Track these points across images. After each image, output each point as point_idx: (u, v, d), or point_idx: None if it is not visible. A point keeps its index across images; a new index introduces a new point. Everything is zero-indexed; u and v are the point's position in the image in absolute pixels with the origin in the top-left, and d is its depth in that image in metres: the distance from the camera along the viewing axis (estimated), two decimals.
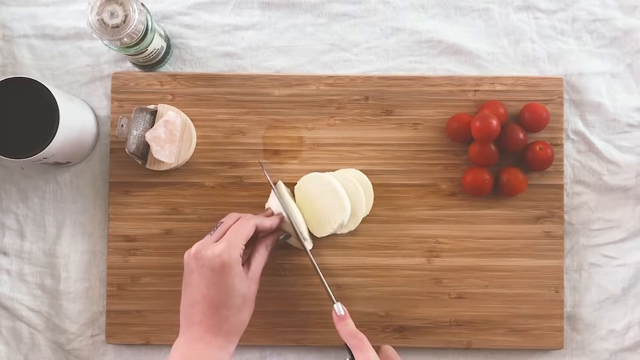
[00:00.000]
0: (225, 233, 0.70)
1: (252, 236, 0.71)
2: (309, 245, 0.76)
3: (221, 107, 0.81)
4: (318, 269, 0.73)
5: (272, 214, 0.76)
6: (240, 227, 0.70)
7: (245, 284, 0.69)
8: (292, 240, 0.77)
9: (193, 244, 0.70)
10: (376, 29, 0.83)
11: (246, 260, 0.71)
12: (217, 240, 0.69)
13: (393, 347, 0.80)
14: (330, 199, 0.76)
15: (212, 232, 0.70)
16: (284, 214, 0.75)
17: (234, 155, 0.81)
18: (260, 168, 0.78)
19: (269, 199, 0.78)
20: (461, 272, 0.80)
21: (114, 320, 0.80)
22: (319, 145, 0.81)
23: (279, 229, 0.76)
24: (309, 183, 0.77)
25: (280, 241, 0.76)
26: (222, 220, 0.72)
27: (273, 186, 0.76)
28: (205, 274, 0.67)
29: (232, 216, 0.73)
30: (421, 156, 0.81)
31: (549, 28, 0.83)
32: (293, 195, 0.79)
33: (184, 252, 0.73)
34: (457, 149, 0.81)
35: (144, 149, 0.78)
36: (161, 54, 0.79)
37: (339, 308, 0.70)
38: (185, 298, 0.69)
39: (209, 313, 0.67)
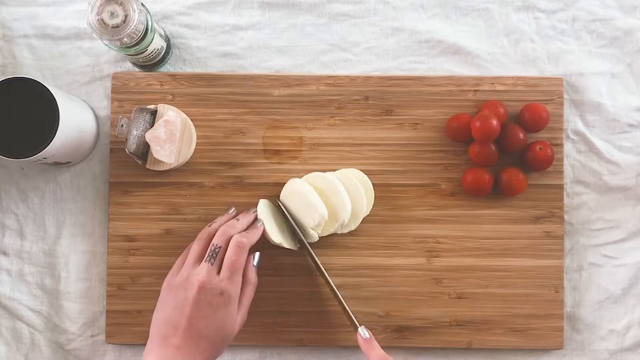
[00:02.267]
0: (222, 261, 0.70)
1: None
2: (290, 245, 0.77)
3: (221, 107, 0.81)
4: (336, 289, 0.75)
5: (256, 216, 0.75)
6: (237, 259, 0.70)
7: (234, 324, 0.70)
8: (289, 243, 0.77)
9: (178, 262, 0.72)
10: (376, 29, 0.83)
11: None
12: (218, 272, 0.69)
13: (393, 347, 0.80)
14: (332, 198, 0.76)
15: (211, 260, 0.70)
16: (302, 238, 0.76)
17: (234, 155, 0.81)
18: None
19: (259, 205, 0.77)
20: (461, 272, 0.80)
21: (114, 320, 0.80)
22: (319, 145, 0.81)
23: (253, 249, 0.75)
24: (312, 182, 0.77)
25: (256, 266, 0.75)
26: (215, 242, 0.71)
27: (289, 218, 0.77)
28: (202, 306, 0.68)
29: (223, 235, 0.71)
30: (421, 156, 0.81)
31: (549, 28, 0.83)
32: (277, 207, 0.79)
33: (184, 249, 0.73)
34: (457, 149, 0.81)
35: (144, 149, 0.78)
36: (161, 54, 0.79)
37: (364, 332, 0.71)
38: (166, 317, 0.68)
39: (190, 342, 0.67)
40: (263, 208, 0.76)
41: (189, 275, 0.69)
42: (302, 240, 0.77)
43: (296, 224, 0.77)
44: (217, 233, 0.72)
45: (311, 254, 0.76)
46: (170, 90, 0.81)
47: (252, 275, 0.73)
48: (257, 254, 0.74)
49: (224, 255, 0.70)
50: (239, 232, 0.72)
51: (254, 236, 0.73)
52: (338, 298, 0.75)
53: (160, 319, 0.69)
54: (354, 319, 0.73)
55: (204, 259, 0.70)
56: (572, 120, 0.82)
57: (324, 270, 0.76)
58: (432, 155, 0.81)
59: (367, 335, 0.71)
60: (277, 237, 0.75)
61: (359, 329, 0.71)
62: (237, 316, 0.70)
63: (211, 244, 0.71)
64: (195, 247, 0.72)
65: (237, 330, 0.71)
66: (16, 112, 0.70)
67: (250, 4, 0.83)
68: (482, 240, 0.80)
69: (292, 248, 0.77)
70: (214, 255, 0.70)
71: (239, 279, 0.70)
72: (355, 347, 0.80)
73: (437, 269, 0.80)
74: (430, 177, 0.81)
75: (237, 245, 0.70)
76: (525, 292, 0.80)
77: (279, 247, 0.76)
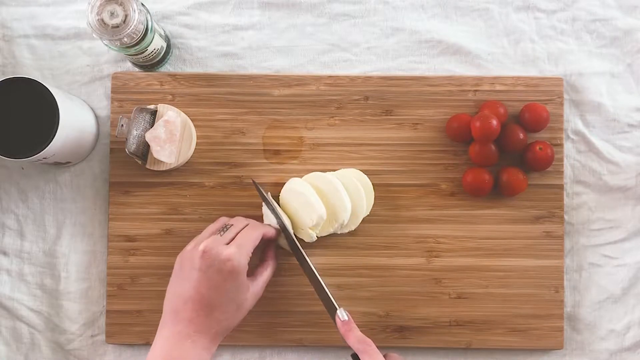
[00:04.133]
0: (235, 237, 0.70)
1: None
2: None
3: (221, 107, 0.81)
4: (317, 274, 0.73)
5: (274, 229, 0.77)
6: (250, 233, 0.71)
7: (245, 293, 0.69)
8: (283, 243, 0.77)
9: (195, 238, 0.71)
10: (376, 29, 0.83)
11: (251, 271, 0.71)
12: (228, 243, 0.69)
13: (393, 347, 0.80)
14: (331, 198, 0.76)
15: (222, 233, 0.71)
16: (282, 221, 0.76)
17: (234, 155, 0.81)
18: (254, 184, 0.78)
19: (263, 208, 0.78)
20: (461, 272, 0.80)
21: (114, 320, 0.80)
22: (319, 145, 0.81)
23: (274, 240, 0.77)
24: (312, 182, 0.78)
25: (277, 235, 0.76)
26: (230, 223, 0.72)
27: (269, 198, 0.77)
28: (210, 274, 0.67)
29: (240, 220, 0.73)
30: (421, 156, 0.81)
31: (549, 28, 0.83)
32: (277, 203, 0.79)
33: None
34: (457, 149, 0.81)
35: (144, 149, 0.78)
36: (161, 54, 0.79)
37: (342, 313, 0.70)
38: (177, 290, 0.69)
39: (202, 313, 0.67)
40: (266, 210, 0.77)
41: (195, 244, 0.70)
42: (282, 224, 0.76)
43: (295, 223, 0.77)
44: (234, 218, 0.74)
45: (290, 236, 0.75)
46: (170, 90, 0.81)
47: (272, 259, 0.74)
48: (276, 223, 0.76)
49: (234, 234, 0.71)
50: None
51: (270, 229, 0.75)
52: (315, 280, 0.73)
53: (171, 293, 0.69)
54: (332, 300, 0.71)
55: (217, 232, 0.71)
56: (572, 120, 0.82)
57: (302, 251, 0.74)
58: (432, 155, 0.81)
59: (346, 318, 0.69)
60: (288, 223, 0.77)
61: (338, 311, 0.70)
62: (249, 288, 0.70)
63: (225, 223, 0.72)
64: (210, 227, 0.73)
65: (250, 303, 0.70)
66: (16, 112, 0.70)
67: (250, 4, 0.83)
68: (482, 240, 0.80)
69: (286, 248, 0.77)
70: (225, 229, 0.71)
71: (248, 251, 0.69)
72: None
73: (437, 269, 0.80)
74: (430, 177, 0.81)
75: (252, 224, 0.72)
76: (525, 292, 0.80)
77: (278, 248, 0.76)
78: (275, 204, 0.77)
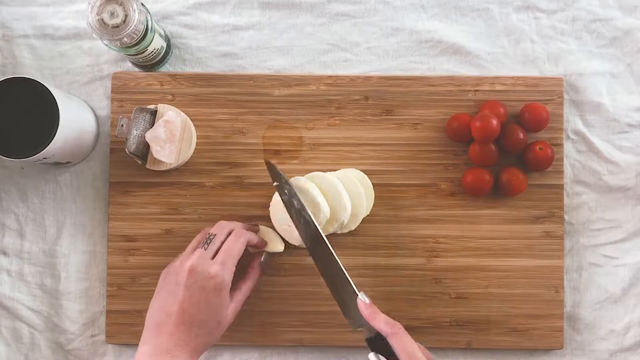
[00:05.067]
0: (218, 249, 0.71)
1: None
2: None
3: (221, 107, 0.81)
4: (338, 259, 0.71)
5: (257, 228, 0.77)
6: (233, 246, 0.71)
7: (226, 310, 0.70)
8: (293, 240, 0.77)
9: (180, 254, 0.73)
10: (376, 29, 0.83)
11: (233, 283, 0.71)
12: (212, 257, 0.70)
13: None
14: (332, 198, 0.76)
15: (205, 246, 0.71)
16: (301, 202, 0.74)
17: (234, 155, 0.81)
18: (267, 168, 0.76)
19: (271, 207, 0.78)
20: (461, 272, 0.80)
21: (114, 320, 0.80)
22: (319, 145, 0.81)
23: (261, 249, 0.77)
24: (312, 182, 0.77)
25: (264, 263, 0.76)
26: (213, 232, 0.72)
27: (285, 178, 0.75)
28: (194, 290, 0.68)
29: (222, 227, 0.73)
30: (421, 156, 0.81)
31: (549, 28, 0.83)
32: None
33: (184, 249, 0.74)
34: (457, 149, 0.81)
35: (144, 149, 0.78)
36: (161, 54, 0.79)
37: (364, 297, 0.68)
38: (159, 305, 0.69)
39: (183, 328, 0.67)
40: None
41: (182, 261, 0.70)
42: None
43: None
44: (216, 225, 0.73)
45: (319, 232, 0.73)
46: (170, 90, 0.81)
47: (254, 272, 0.74)
48: (264, 251, 0.76)
49: (221, 245, 0.71)
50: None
51: (254, 236, 0.74)
52: (331, 267, 0.71)
53: (154, 308, 0.70)
54: (352, 284, 0.70)
55: (199, 246, 0.71)
56: (572, 120, 0.82)
57: (323, 236, 0.72)
58: (432, 155, 0.81)
59: (368, 301, 0.68)
60: (278, 245, 0.77)
61: (359, 295, 0.69)
62: (228, 304, 0.70)
63: (208, 233, 0.72)
64: (194, 240, 0.74)
65: (229, 319, 0.71)
66: (16, 112, 0.70)
67: (250, 4, 0.83)
68: (482, 240, 0.80)
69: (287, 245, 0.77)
70: (208, 241, 0.71)
71: (231, 266, 0.70)
72: (355, 347, 0.80)
73: (437, 269, 0.80)
74: (430, 177, 0.81)
75: (234, 233, 0.72)
76: (525, 292, 0.80)
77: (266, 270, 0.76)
78: (292, 184, 0.75)
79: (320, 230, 0.73)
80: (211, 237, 0.72)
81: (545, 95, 0.81)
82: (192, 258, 0.70)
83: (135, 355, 0.67)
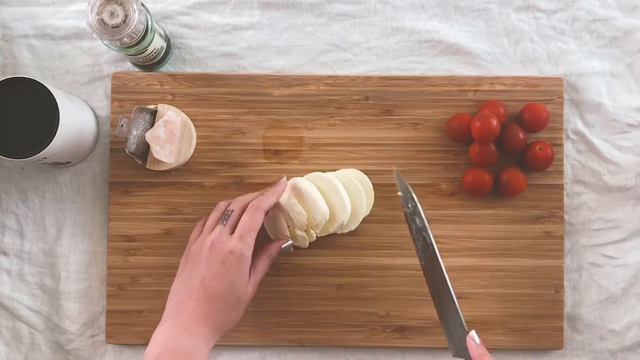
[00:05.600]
0: (236, 224, 0.71)
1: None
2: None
3: (221, 107, 0.81)
4: (450, 286, 0.70)
5: (283, 182, 0.76)
6: (251, 220, 0.71)
7: (246, 285, 0.70)
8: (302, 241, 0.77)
9: (199, 232, 0.72)
10: (376, 29, 0.83)
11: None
12: (231, 233, 0.70)
13: (393, 347, 0.80)
14: (331, 198, 0.76)
15: (223, 222, 0.71)
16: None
17: (234, 155, 0.81)
18: (395, 177, 0.76)
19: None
20: (461, 272, 0.80)
21: (114, 320, 0.80)
22: (319, 145, 0.81)
23: (282, 237, 0.76)
24: (312, 182, 0.77)
25: (284, 249, 0.75)
26: (230, 208, 0.72)
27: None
28: (214, 266, 0.68)
29: (239, 202, 0.73)
30: (421, 156, 0.81)
31: (549, 28, 0.83)
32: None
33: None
34: (457, 149, 0.81)
35: (144, 149, 0.78)
36: (161, 54, 0.79)
37: (475, 336, 0.67)
38: (180, 285, 0.69)
39: (203, 303, 0.67)
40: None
41: (201, 239, 0.71)
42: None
43: (297, 223, 0.77)
44: (233, 201, 0.73)
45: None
46: (170, 90, 0.81)
47: (274, 250, 0.74)
48: (290, 242, 0.75)
49: (239, 219, 0.71)
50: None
51: (270, 197, 0.74)
52: (449, 294, 0.69)
53: (175, 288, 0.70)
54: (462, 319, 0.69)
55: (218, 224, 0.71)
56: (572, 120, 0.82)
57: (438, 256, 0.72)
58: (432, 155, 0.81)
59: (478, 342, 0.67)
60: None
61: (470, 334, 0.67)
62: (249, 280, 0.70)
63: (226, 210, 0.72)
64: (211, 217, 0.74)
65: (248, 297, 0.70)
66: (16, 112, 0.70)
67: (250, 4, 0.83)
68: (482, 240, 0.80)
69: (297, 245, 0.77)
70: (227, 217, 0.71)
71: (251, 240, 0.70)
72: (356, 347, 0.80)
73: None
74: (430, 177, 0.81)
75: (251, 206, 0.72)
76: (525, 292, 0.80)
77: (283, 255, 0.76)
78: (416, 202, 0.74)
79: (438, 253, 0.72)
80: (229, 214, 0.72)
81: (545, 95, 0.81)
82: (211, 235, 0.70)
83: (154, 335, 0.67)
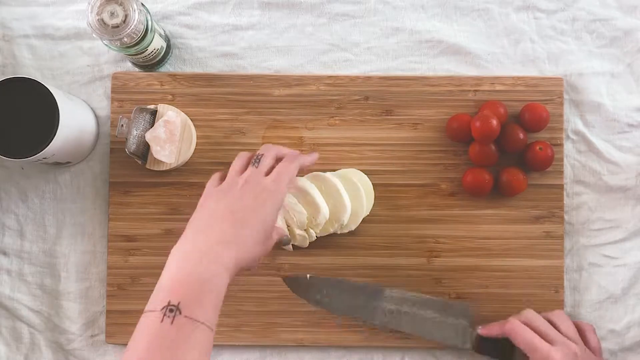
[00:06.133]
0: (268, 168, 0.68)
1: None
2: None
3: (221, 107, 0.81)
4: None
5: (315, 155, 0.73)
6: (288, 167, 0.67)
7: (272, 227, 0.66)
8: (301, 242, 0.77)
9: (219, 182, 0.69)
10: (376, 29, 0.83)
11: None
12: (266, 174, 0.67)
13: (393, 347, 0.80)
14: (331, 198, 0.76)
15: (255, 164, 0.68)
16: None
17: (234, 155, 0.80)
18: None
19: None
20: (461, 272, 0.80)
21: (114, 320, 0.80)
22: (319, 145, 0.81)
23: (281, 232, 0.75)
24: (312, 182, 0.77)
25: (283, 243, 0.74)
26: (260, 152, 0.69)
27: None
28: (246, 197, 0.64)
29: (268, 149, 0.70)
30: (421, 156, 0.81)
31: (549, 28, 0.83)
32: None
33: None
34: (457, 149, 0.81)
35: (144, 149, 0.78)
36: (161, 54, 0.79)
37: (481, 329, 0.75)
38: (203, 213, 0.65)
39: (231, 230, 0.63)
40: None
41: (232, 177, 0.67)
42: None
43: (297, 222, 0.77)
44: (262, 147, 0.70)
45: None
46: (170, 90, 0.81)
47: (277, 232, 0.71)
48: (286, 238, 0.74)
49: (271, 165, 0.68)
50: None
51: (307, 158, 0.71)
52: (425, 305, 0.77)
53: (196, 218, 0.65)
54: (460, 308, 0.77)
55: (250, 164, 0.68)
56: (572, 120, 0.82)
57: None
58: (432, 155, 0.81)
59: (481, 328, 0.75)
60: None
61: (478, 330, 0.75)
62: (273, 227, 0.67)
63: (256, 154, 0.69)
64: (236, 163, 0.70)
65: (269, 247, 0.67)
66: (16, 112, 0.70)
67: (250, 4, 0.83)
68: (482, 240, 0.80)
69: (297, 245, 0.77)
70: (258, 159, 0.68)
71: (285, 187, 0.66)
72: (355, 347, 0.80)
73: (437, 269, 0.80)
74: (430, 177, 0.81)
75: (287, 157, 0.69)
76: (525, 292, 0.80)
77: (278, 247, 0.76)
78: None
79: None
80: (259, 157, 0.68)
81: (545, 95, 0.81)
82: (244, 174, 0.67)
83: (168, 259, 0.61)
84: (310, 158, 0.71)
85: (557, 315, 0.74)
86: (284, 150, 0.70)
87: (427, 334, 0.76)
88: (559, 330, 0.73)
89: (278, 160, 0.70)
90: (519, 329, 0.72)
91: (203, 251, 0.61)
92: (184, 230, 0.64)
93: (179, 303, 0.58)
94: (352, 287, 0.77)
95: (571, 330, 0.73)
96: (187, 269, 0.60)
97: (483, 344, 0.75)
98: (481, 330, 0.75)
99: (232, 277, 0.62)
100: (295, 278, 0.77)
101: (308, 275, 0.77)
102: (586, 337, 0.74)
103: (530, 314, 0.74)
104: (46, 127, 0.70)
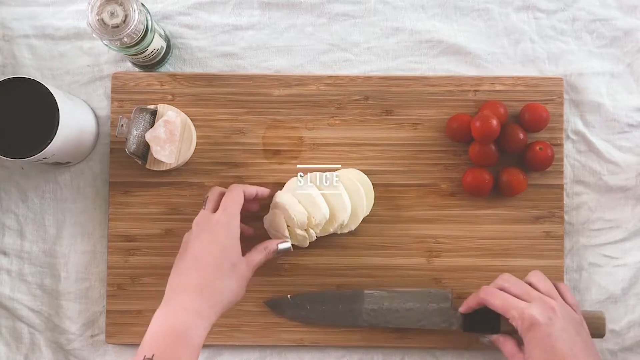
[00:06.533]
0: (216, 205, 0.72)
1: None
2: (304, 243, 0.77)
3: (221, 107, 0.81)
4: None
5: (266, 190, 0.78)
6: (232, 196, 0.72)
7: (238, 253, 0.70)
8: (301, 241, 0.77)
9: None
10: (376, 29, 0.83)
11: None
12: (214, 212, 0.72)
13: (393, 347, 0.80)
14: (331, 198, 0.76)
15: (204, 206, 0.73)
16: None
17: (234, 155, 0.81)
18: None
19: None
20: (461, 272, 0.80)
21: (114, 320, 0.80)
22: (319, 145, 0.81)
23: (281, 235, 0.76)
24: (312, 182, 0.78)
25: (281, 249, 0.75)
26: (207, 195, 0.74)
27: None
28: (203, 237, 0.69)
29: (215, 189, 0.74)
30: (421, 156, 0.81)
31: (549, 28, 0.83)
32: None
33: None
34: (457, 149, 0.81)
35: (144, 149, 0.78)
36: (161, 54, 0.79)
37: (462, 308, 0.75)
38: (174, 271, 0.70)
39: (196, 275, 0.67)
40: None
41: (187, 233, 0.72)
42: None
43: (297, 223, 0.77)
44: (208, 192, 0.75)
45: None
46: (170, 90, 0.81)
47: (271, 245, 0.74)
48: (288, 243, 0.75)
49: (217, 201, 0.73)
50: None
51: (251, 187, 0.75)
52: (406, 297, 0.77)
53: (171, 277, 0.69)
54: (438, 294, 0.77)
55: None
56: (572, 120, 0.82)
57: None
58: (432, 155, 0.81)
59: (462, 306, 0.75)
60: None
61: (460, 310, 0.75)
62: (241, 254, 0.70)
63: (203, 200, 0.74)
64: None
65: (245, 272, 0.70)
66: (16, 112, 0.70)
67: (250, 4, 0.83)
68: (482, 240, 0.80)
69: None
70: (204, 203, 0.73)
71: (235, 211, 0.71)
72: (355, 347, 0.80)
73: (437, 269, 0.80)
74: (430, 177, 0.81)
75: (230, 188, 0.74)
76: None
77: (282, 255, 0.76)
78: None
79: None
80: (205, 199, 0.73)
81: (545, 95, 0.81)
82: (197, 217, 0.71)
83: (153, 318, 0.66)
84: (254, 188, 0.76)
85: (534, 275, 0.73)
86: (232, 186, 0.74)
87: (413, 323, 0.76)
88: (538, 290, 0.72)
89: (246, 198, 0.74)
90: (491, 293, 0.71)
91: (177, 305, 0.66)
92: (182, 239, 0.71)
93: (153, 356, 0.62)
94: (333, 296, 0.78)
95: (549, 287, 0.72)
96: (164, 324, 0.65)
97: (469, 322, 0.75)
98: (461, 308, 0.75)
99: (215, 319, 0.67)
100: (277, 300, 0.79)
101: (289, 296, 0.79)
102: (563, 295, 0.72)
103: (505, 276, 0.73)
104: (46, 127, 0.70)
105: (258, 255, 0.73)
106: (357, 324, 0.78)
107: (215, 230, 0.69)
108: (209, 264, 0.68)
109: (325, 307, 0.78)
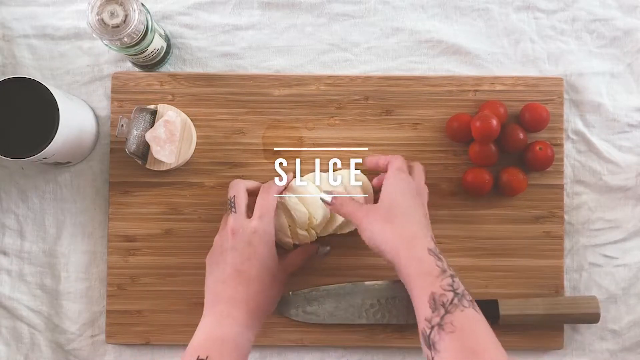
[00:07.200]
0: (244, 206, 0.72)
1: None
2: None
3: (221, 107, 0.81)
4: None
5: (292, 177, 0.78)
6: (266, 200, 0.73)
7: (276, 263, 0.71)
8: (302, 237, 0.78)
9: (215, 232, 0.73)
10: (376, 29, 0.83)
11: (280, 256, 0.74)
12: (249, 217, 0.72)
13: (393, 347, 0.80)
14: None
15: (233, 209, 0.72)
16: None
17: (234, 155, 0.81)
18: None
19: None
20: (461, 272, 0.80)
21: (114, 320, 0.80)
22: (319, 145, 0.81)
23: (284, 236, 0.76)
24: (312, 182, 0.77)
25: (320, 253, 0.77)
26: (232, 194, 0.73)
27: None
28: (242, 249, 0.70)
29: (236, 186, 0.74)
30: (421, 156, 0.81)
31: (549, 28, 0.83)
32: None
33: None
34: (457, 149, 0.81)
35: (144, 149, 0.78)
36: (161, 54, 0.79)
37: (327, 197, 0.72)
38: (214, 276, 0.70)
39: (240, 288, 0.68)
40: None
41: (220, 232, 0.72)
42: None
43: (297, 222, 0.77)
44: (229, 188, 0.74)
45: None
46: (170, 90, 0.81)
47: (310, 248, 0.76)
48: (328, 247, 0.78)
49: (246, 202, 0.73)
50: None
51: (280, 184, 0.76)
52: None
53: (208, 284, 0.70)
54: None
55: (227, 213, 0.73)
56: (572, 120, 0.82)
57: None
58: (432, 155, 0.81)
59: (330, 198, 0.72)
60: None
61: (323, 197, 0.73)
62: (277, 260, 0.71)
63: (228, 198, 0.73)
64: (223, 217, 0.75)
65: (282, 278, 0.72)
66: (16, 112, 0.70)
67: (250, 4, 0.83)
68: (482, 240, 0.80)
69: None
70: (232, 204, 0.72)
71: (270, 218, 0.72)
72: (356, 347, 0.80)
73: None
74: (430, 177, 0.80)
75: (262, 187, 0.74)
76: (525, 292, 0.80)
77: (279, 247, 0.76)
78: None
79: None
80: (232, 200, 0.73)
81: (545, 95, 0.81)
82: (229, 223, 0.71)
83: (197, 327, 0.67)
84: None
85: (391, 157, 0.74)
86: (251, 183, 0.75)
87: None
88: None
89: (251, 192, 0.75)
90: (337, 208, 0.71)
91: (223, 315, 0.67)
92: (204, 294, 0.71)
93: (207, 357, 0.63)
94: (335, 291, 0.79)
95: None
96: (211, 333, 0.66)
97: None
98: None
99: (259, 328, 0.69)
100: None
101: (290, 292, 0.79)
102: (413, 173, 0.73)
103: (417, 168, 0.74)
104: (46, 127, 0.70)
105: (295, 257, 0.75)
106: (360, 321, 0.78)
107: (254, 242, 0.70)
108: (252, 278, 0.69)
109: (327, 304, 0.78)
